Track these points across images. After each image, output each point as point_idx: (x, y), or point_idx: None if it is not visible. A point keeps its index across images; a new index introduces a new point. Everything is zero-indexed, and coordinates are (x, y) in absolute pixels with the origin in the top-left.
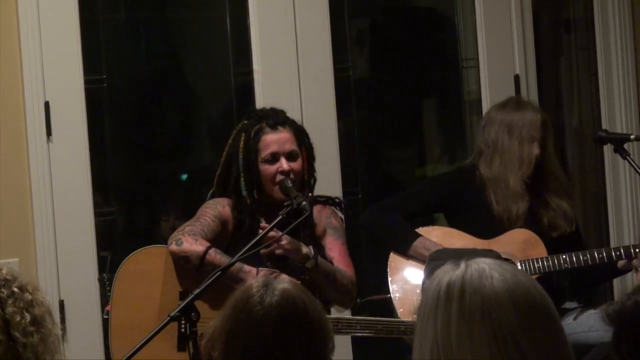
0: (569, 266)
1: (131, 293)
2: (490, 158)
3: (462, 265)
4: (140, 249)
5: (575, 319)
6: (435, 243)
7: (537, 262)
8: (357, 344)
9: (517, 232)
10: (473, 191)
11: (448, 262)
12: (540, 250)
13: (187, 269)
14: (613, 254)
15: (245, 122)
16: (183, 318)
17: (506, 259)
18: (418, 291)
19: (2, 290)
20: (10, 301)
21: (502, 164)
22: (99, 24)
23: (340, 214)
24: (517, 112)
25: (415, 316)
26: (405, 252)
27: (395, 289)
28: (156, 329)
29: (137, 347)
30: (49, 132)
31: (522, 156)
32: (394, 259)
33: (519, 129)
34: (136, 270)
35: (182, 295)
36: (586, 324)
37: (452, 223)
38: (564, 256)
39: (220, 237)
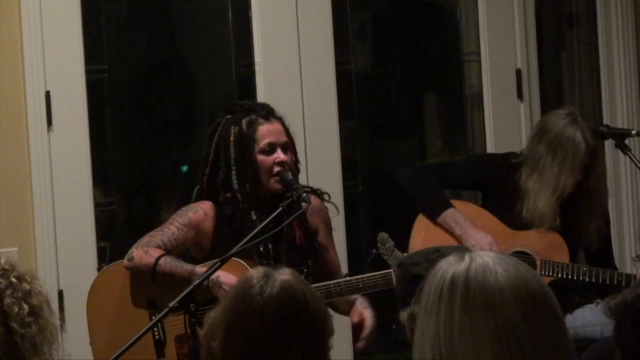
0: (587, 279)
1: (104, 314)
2: (530, 171)
3: (467, 258)
4: (103, 269)
5: (571, 313)
6: (465, 218)
7: (557, 267)
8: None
9: (547, 232)
10: (511, 186)
11: (452, 254)
12: (564, 256)
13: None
14: (632, 279)
15: (229, 116)
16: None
17: (522, 253)
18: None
19: (0, 280)
20: (8, 292)
21: (538, 182)
22: (101, 14)
23: (335, 208)
24: (567, 135)
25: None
26: (434, 218)
27: (413, 248)
28: (151, 323)
29: (132, 340)
30: (49, 122)
31: (557, 184)
32: (421, 220)
33: (564, 155)
34: (104, 291)
35: (150, 304)
36: (582, 318)
37: (486, 204)
38: (584, 268)
39: (197, 242)
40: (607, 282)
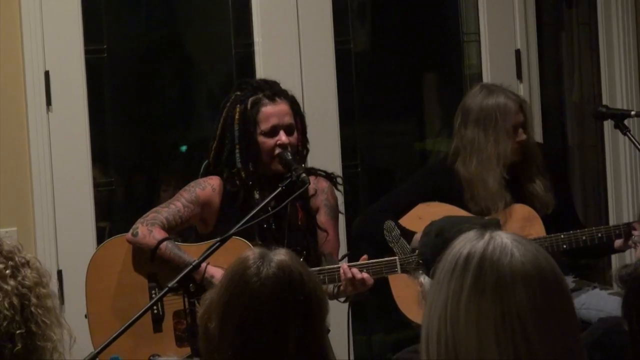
0: (567, 247)
1: (103, 286)
2: (468, 158)
3: (487, 236)
4: (105, 242)
5: None
6: None
7: (537, 242)
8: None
9: (517, 208)
10: (452, 188)
11: (474, 230)
12: (538, 227)
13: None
14: (612, 233)
15: (239, 93)
16: (181, 289)
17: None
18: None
19: (14, 270)
20: (19, 279)
21: (480, 164)
22: None
23: (336, 190)
24: (490, 104)
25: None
26: None
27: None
28: (151, 303)
29: (131, 321)
30: (48, 102)
31: (498, 154)
32: (418, 207)
33: (494, 123)
34: (104, 264)
35: (151, 277)
36: (577, 302)
37: None
38: (562, 236)
39: (203, 218)
40: (589, 243)
